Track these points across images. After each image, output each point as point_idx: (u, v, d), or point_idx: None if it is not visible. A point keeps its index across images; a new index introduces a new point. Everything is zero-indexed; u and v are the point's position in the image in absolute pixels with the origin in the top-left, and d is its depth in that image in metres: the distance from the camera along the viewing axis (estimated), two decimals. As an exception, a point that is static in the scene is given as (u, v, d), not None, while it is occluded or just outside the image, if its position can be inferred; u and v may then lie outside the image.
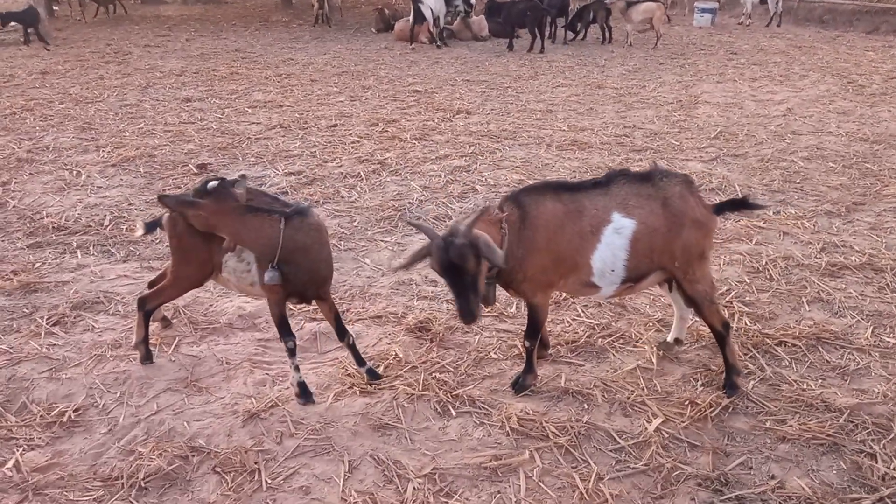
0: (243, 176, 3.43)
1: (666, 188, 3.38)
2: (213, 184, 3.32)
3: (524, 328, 3.64)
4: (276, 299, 3.47)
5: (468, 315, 3.08)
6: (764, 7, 17.21)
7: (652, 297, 4.59)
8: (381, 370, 3.77)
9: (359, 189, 6.48)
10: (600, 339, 4.11)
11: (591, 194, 3.38)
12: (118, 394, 3.62)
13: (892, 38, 15.27)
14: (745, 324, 4.23)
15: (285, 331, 3.52)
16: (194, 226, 3.37)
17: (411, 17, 14.60)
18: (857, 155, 7.39)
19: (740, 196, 3.81)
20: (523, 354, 3.70)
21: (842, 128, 8.44)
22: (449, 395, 3.59)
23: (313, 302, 3.66)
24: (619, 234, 3.32)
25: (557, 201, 3.35)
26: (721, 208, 3.60)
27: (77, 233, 5.50)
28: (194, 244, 3.50)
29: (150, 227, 3.71)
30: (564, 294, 4.29)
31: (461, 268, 3.01)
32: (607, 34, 14.73)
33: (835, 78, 11.30)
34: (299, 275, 3.38)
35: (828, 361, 3.87)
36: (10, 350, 3.95)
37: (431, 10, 14.20)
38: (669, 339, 4.00)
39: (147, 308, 3.76)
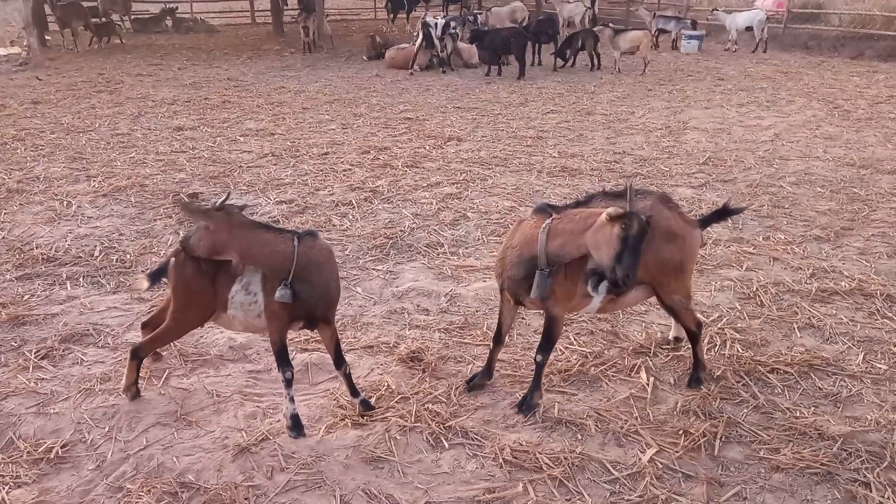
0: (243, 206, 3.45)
1: (637, 203, 3.46)
2: (221, 199, 3.32)
3: (536, 344, 3.70)
4: (279, 325, 3.45)
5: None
6: (750, 33, 17.45)
7: (644, 324, 4.59)
8: (373, 401, 3.74)
9: (350, 217, 6.49)
10: (593, 368, 4.10)
11: (575, 210, 3.47)
12: (106, 429, 3.57)
13: (877, 64, 15.51)
14: (738, 351, 4.24)
15: (284, 360, 3.50)
16: (200, 254, 3.34)
17: (418, 42, 14.77)
18: (845, 180, 7.47)
19: (720, 206, 3.89)
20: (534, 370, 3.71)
21: (829, 153, 8.53)
22: (441, 426, 3.57)
23: (310, 329, 3.65)
24: None
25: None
26: (706, 222, 3.79)
27: (67, 264, 5.47)
28: (201, 287, 3.47)
29: (155, 277, 3.66)
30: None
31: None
32: (595, 61, 14.90)
33: (821, 103, 11.45)
34: (312, 293, 3.38)
35: (820, 388, 3.88)
36: (-2, 384, 3.90)
37: (437, 35, 14.44)
38: (670, 337, 4.28)
39: (141, 356, 3.74)
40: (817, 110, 10.94)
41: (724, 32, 18.32)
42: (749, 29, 17.35)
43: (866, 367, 4.06)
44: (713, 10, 18.12)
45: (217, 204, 3.28)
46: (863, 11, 18.24)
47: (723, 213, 3.83)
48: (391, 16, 22.61)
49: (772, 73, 14.31)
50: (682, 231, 3.57)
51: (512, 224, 4.33)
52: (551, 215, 3.42)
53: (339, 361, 3.64)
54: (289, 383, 3.50)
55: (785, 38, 17.95)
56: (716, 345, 4.30)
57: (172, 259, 3.53)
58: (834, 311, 4.71)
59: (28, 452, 3.38)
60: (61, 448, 3.42)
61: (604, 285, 3.49)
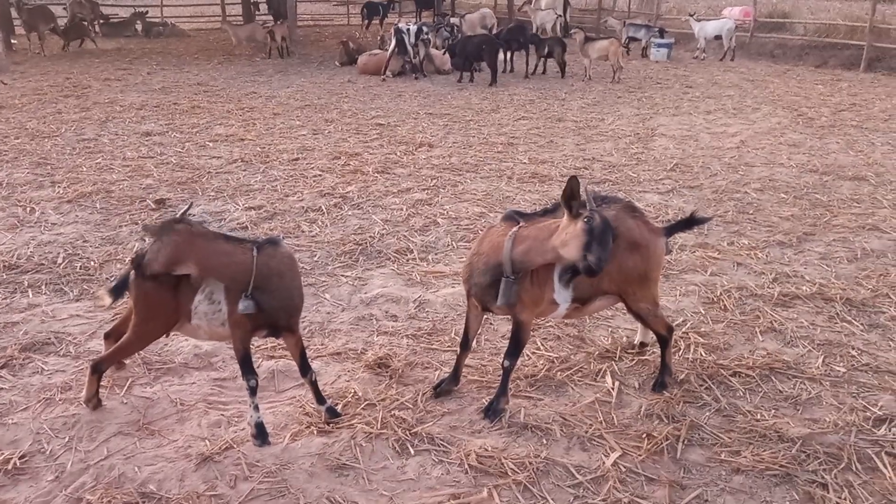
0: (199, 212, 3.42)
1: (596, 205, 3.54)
2: (182, 210, 3.29)
3: (503, 350, 3.73)
4: (241, 334, 3.42)
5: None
6: (718, 42, 17.75)
7: (610, 328, 4.64)
8: (339, 408, 3.73)
9: (320, 223, 6.46)
10: (559, 373, 4.12)
11: (544, 218, 3.50)
12: (66, 439, 3.51)
13: (840, 72, 15.86)
14: (701, 354, 4.29)
15: (248, 368, 3.47)
16: (156, 269, 3.28)
17: (391, 48, 14.79)
18: (808, 186, 7.62)
19: (687, 215, 3.96)
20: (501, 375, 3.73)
21: (792, 159, 8.70)
22: (407, 432, 3.57)
23: (274, 337, 3.63)
24: None
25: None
26: (671, 230, 3.83)
27: (29, 271, 5.37)
28: (162, 299, 3.43)
29: (118, 291, 3.55)
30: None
31: None
32: (563, 69, 15.04)
33: (786, 111, 11.67)
34: (273, 303, 3.35)
35: (780, 391, 3.94)
36: (-45, 395, 3.82)
37: (410, 42, 14.50)
38: (636, 342, 4.31)
39: (102, 370, 3.68)
40: (782, 118, 11.15)
41: (693, 41, 18.61)
42: (718, 38, 17.65)
43: (825, 370, 4.14)
44: (690, 14, 18.38)
45: (177, 216, 3.25)
46: (827, 21, 18.65)
47: (689, 223, 3.89)
48: (366, 21, 22.63)
49: (739, 81, 14.57)
50: (645, 240, 3.61)
51: (482, 231, 4.35)
52: (519, 223, 3.45)
53: (305, 369, 3.62)
54: (253, 391, 3.48)
55: (752, 47, 18.29)
56: (680, 349, 4.35)
57: (132, 271, 3.48)
58: (795, 315, 4.80)
59: (-15, 464, 3.31)
60: (19, 459, 3.35)
61: (569, 293, 3.52)
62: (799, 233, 6.27)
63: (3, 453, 3.38)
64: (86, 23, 19.31)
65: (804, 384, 4.01)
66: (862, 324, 4.68)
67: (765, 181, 7.81)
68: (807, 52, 17.48)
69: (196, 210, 3.40)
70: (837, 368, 4.16)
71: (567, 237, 3.15)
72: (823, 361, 4.23)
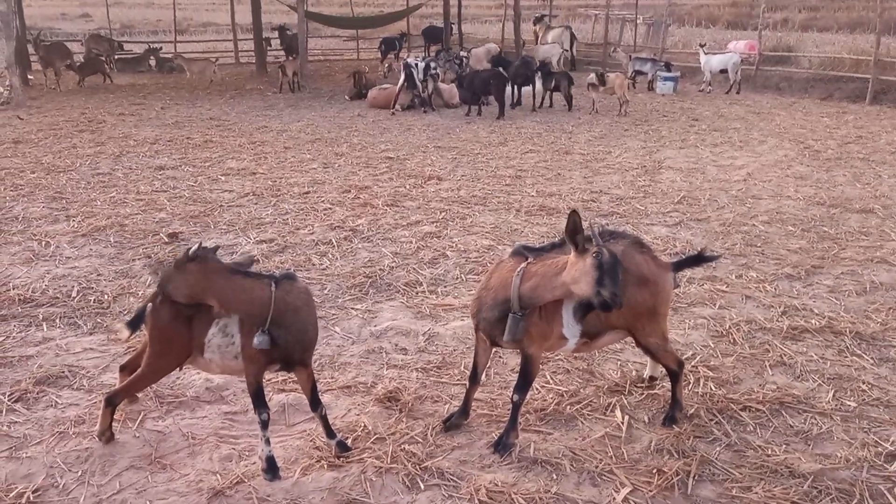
0: (216, 247, 3.48)
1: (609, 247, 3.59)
2: (193, 248, 3.32)
3: (512, 384, 3.77)
4: (255, 369, 3.46)
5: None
6: (724, 75, 17.91)
7: (619, 362, 4.65)
8: (349, 442, 3.74)
9: (330, 256, 6.53)
10: (569, 407, 4.13)
11: (552, 255, 3.55)
12: (80, 473, 3.54)
13: (846, 105, 15.95)
14: (711, 388, 4.30)
15: (260, 402, 3.50)
16: (179, 299, 3.34)
17: (400, 83, 15.03)
18: (815, 219, 7.64)
19: (696, 252, 4.00)
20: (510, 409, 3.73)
21: (800, 192, 8.74)
22: (417, 467, 3.57)
23: (287, 371, 3.66)
24: None
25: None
26: (680, 266, 3.83)
27: (44, 305, 5.44)
28: (177, 333, 3.48)
29: (134, 324, 3.62)
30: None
31: None
32: (570, 102, 15.20)
33: (792, 143, 11.74)
34: (289, 338, 3.40)
35: (791, 426, 3.94)
36: (-31, 428, 3.86)
37: (419, 76, 14.74)
38: (645, 375, 4.31)
39: (116, 403, 3.73)
40: (788, 150, 11.22)
41: (698, 74, 18.79)
42: (723, 71, 17.82)
43: (836, 405, 4.13)
44: (701, 45, 18.56)
45: (190, 253, 3.31)
46: (832, 54, 18.81)
47: (698, 259, 3.92)
48: (383, 56, 22.94)
49: (745, 114, 14.67)
50: (654, 275, 3.65)
51: (490, 264, 4.39)
52: (528, 259, 3.50)
53: (315, 403, 3.65)
54: (265, 425, 3.50)
55: (757, 80, 18.44)
56: (689, 382, 4.35)
57: (149, 304, 3.54)
58: (805, 349, 4.79)
59: (-1, 498, 3.34)
60: (33, 493, 3.37)
61: (577, 328, 3.56)
62: (807, 265, 6.28)
63: (16, 487, 3.41)
64: (102, 58, 19.68)
65: (815, 419, 4.00)
66: (872, 358, 4.67)
67: (772, 214, 7.84)
68: (812, 84, 17.61)
69: (208, 243, 3.44)
70: (848, 403, 4.15)
71: (578, 274, 3.19)
72: (834, 396, 4.22)
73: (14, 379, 4.37)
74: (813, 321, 5.17)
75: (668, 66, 18.38)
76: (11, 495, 3.35)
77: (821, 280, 6.00)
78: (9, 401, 4.12)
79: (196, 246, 3.36)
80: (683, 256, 4.09)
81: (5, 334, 4.95)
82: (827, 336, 4.97)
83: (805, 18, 30.82)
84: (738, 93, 17.49)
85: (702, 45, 18.43)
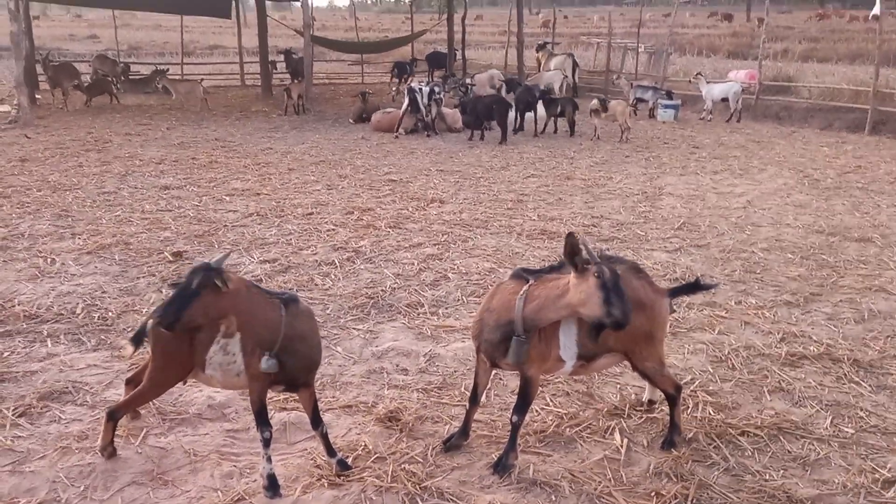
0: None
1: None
2: (216, 259, 3.26)
3: (512, 405, 3.79)
4: (259, 387, 3.49)
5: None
6: (725, 104, 18.09)
7: (619, 385, 4.68)
8: (350, 461, 3.77)
9: (333, 277, 6.58)
10: (568, 429, 4.16)
11: (551, 276, 3.61)
12: (82, 488, 3.57)
13: (845, 135, 16.08)
14: (709, 413, 4.33)
15: (263, 420, 3.54)
16: (200, 321, 3.30)
17: (403, 107, 15.20)
18: (814, 247, 7.70)
19: (694, 279, 4.07)
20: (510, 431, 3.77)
21: (799, 220, 8.81)
22: (417, 486, 3.60)
23: (290, 391, 3.70)
24: None
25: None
26: (676, 292, 3.90)
27: (48, 321, 5.49)
28: (178, 349, 3.52)
29: (137, 340, 3.71)
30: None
31: None
32: (572, 128, 15.35)
33: (791, 172, 11.84)
34: (295, 362, 3.44)
35: (789, 451, 3.96)
36: (-27, 442, 3.89)
37: (423, 101, 14.92)
38: (644, 399, 4.35)
39: (118, 418, 3.76)
40: (788, 179, 11.31)
41: (699, 102, 18.96)
42: (725, 100, 17.98)
43: (834, 431, 4.16)
44: (697, 73, 18.74)
45: (211, 265, 3.22)
46: (832, 85, 19.00)
47: (694, 287, 4.00)
48: (396, 80, 23.19)
49: (745, 142, 14.80)
50: (651, 300, 3.71)
51: (491, 286, 4.46)
52: (528, 280, 3.55)
53: (316, 421, 3.69)
54: (267, 443, 3.54)
55: (757, 109, 18.61)
56: (688, 407, 4.39)
57: (150, 321, 3.59)
58: (803, 375, 4.83)
59: (1, 512, 3.37)
60: (35, 507, 3.41)
61: (574, 350, 3.60)
62: (806, 293, 6.33)
63: (19, 501, 3.44)
64: (110, 78, 19.88)
65: (812, 445, 4.03)
66: (870, 385, 4.71)
67: (772, 241, 7.90)
68: (812, 114, 17.77)
69: (216, 257, 3.45)
70: (846, 429, 4.18)
71: (584, 296, 3.24)
72: (832, 422, 4.25)
73: (18, 394, 4.41)
74: (811, 348, 5.21)
75: (669, 94, 18.56)
76: (14, 509, 3.38)
77: (819, 307, 6.04)
78: (13, 415, 4.16)
79: (226, 253, 3.40)
80: (681, 283, 4.16)
81: (10, 350, 5.00)
82: (825, 363, 5.01)
83: (805, 49, 31.12)
84: (738, 121, 17.64)
85: (699, 74, 18.60)
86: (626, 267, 3.74)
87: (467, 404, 3.98)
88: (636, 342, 3.70)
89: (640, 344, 3.71)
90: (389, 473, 3.68)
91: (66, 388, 4.51)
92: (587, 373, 3.98)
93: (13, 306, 5.69)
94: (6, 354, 4.92)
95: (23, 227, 7.91)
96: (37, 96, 18.08)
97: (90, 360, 4.89)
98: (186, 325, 3.24)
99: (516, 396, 3.79)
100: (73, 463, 3.76)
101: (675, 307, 4.03)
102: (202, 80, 20.32)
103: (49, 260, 6.85)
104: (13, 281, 6.28)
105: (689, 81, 18.77)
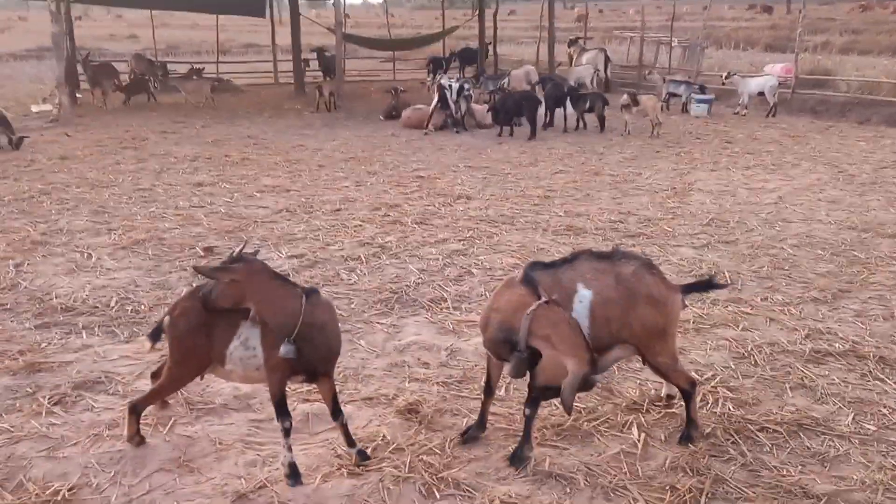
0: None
1: (620, 266, 3.71)
2: (238, 249, 3.54)
3: (524, 399, 3.83)
4: (278, 378, 3.59)
5: None
6: (759, 98, 17.76)
7: (638, 381, 4.69)
8: (369, 451, 3.86)
9: (358, 272, 6.68)
10: (586, 423, 4.19)
11: (563, 269, 3.66)
12: (112, 473, 3.71)
13: (884, 129, 15.70)
14: (729, 409, 4.32)
15: (283, 411, 3.63)
16: (223, 305, 3.48)
17: (433, 103, 15.29)
18: (846, 243, 7.58)
19: (707, 277, 4.08)
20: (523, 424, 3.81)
21: (831, 216, 8.67)
22: (434, 477, 3.67)
23: (310, 381, 3.79)
24: (582, 303, 3.63)
25: (546, 276, 3.69)
26: (689, 289, 3.92)
27: (84, 313, 5.69)
28: (194, 344, 3.65)
29: (155, 335, 3.83)
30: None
31: None
32: (602, 123, 15.25)
33: (826, 167, 11.62)
34: (314, 351, 3.54)
35: (808, 447, 3.94)
36: (11, 429, 4.07)
37: (453, 97, 14.99)
38: (663, 394, 4.36)
39: (139, 411, 3.90)
40: (822, 174, 11.11)
41: (734, 97, 18.67)
42: (761, 94, 17.67)
43: (855, 428, 4.12)
44: (729, 73, 18.41)
45: (234, 254, 3.49)
46: (870, 78, 18.56)
47: (707, 286, 4.01)
48: (431, 76, 23.30)
49: (779, 137, 14.56)
50: (663, 296, 3.73)
51: (501, 281, 4.49)
52: (540, 297, 3.51)
53: (336, 412, 3.78)
54: (287, 433, 3.64)
55: (793, 103, 18.27)
56: (707, 402, 4.38)
57: (167, 317, 3.72)
58: (826, 372, 4.78)
59: (36, 494, 3.52)
60: (68, 491, 3.55)
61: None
62: (834, 290, 6.24)
63: (53, 485, 3.59)
64: (148, 78, 20.32)
65: (832, 441, 3.99)
66: (895, 382, 4.64)
67: (802, 237, 7.79)
68: (849, 108, 17.37)
69: (250, 249, 3.62)
70: (868, 426, 4.13)
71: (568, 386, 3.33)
72: (854, 419, 4.21)
73: (54, 383, 4.59)
74: (837, 345, 5.15)
75: (702, 89, 18.32)
76: (48, 492, 3.53)
77: (847, 304, 5.96)
78: (48, 404, 4.33)
79: (241, 246, 3.54)
80: (692, 281, 4.19)
81: (47, 341, 5.19)
82: (850, 360, 4.95)
83: (846, 41, 30.38)
84: (773, 116, 17.33)
85: (733, 74, 18.21)
86: (639, 263, 3.76)
87: (482, 395, 4.04)
88: (650, 337, 3.72)
89: (654, 339, 3.73)
90: (407, 464, 3.76)
91: (99, 378, 4.67)
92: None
93: (51, 299, 5.91)
94: (43, 345, 5.12)
95: (61, 222, 8.17)
96: (77, 95, 18.56)
97: (122, 352, 5.06)
98: (213, 307, 3.48)
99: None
100: (105, 449, 3.91)
101: (690, 303, 4.02)
102: (217, 80, 20.61)
103: (86, 255, 7.07)
104: (51, 275, 6.51)
105: (723, 84, 18.44)
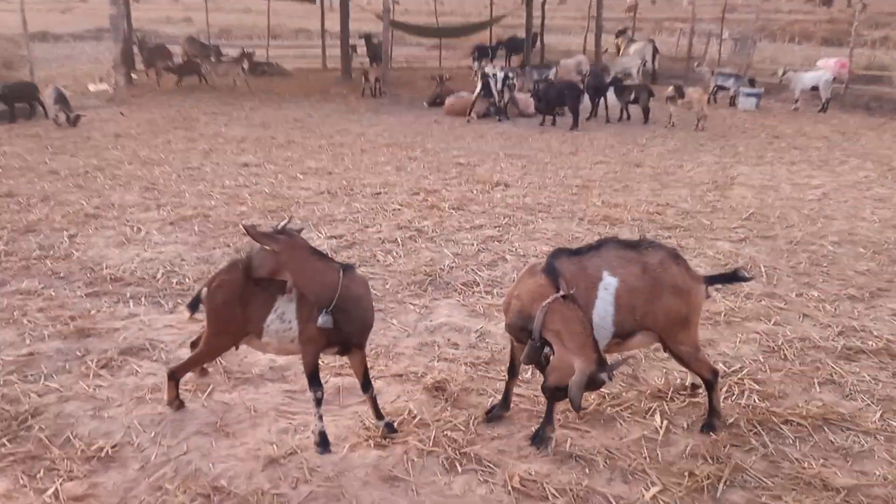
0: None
1: (647, 255, 3.76)
2: (283, 223, 3.72)
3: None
4: (313, 350, 3.75)
5: None
6: (814, 92, 17.31)
7: (665, 370, 4.73)
8: (396, 425, 4.00)
9: (394, 254, 6.83)
10: (609, 408, 4.26)
11: (589, 256, 3.73)
12: (153, 434, 3.93)
13: (942, 127, 15.21)
14: (754, 401, 4.33)
15: (315, 381, 3.80)
16: (262, 273, 3.64)
17: (476, 91, 15.34)
18: (889, 241, 7.43)
19: (732, 270, 4.10)
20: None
21: (876, 214, 8.49)
22: (457, 452, 3.79)
23: (344, 353, 3.94)
24: (607, 290, 3.68)
25: (571, 263, 3.74)
26: (713, 280, 3.97)
27: (132, 284, 5.95)
28: (231, 315, 3.82)
29: (193, 305, 4.05)
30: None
31: None
32: (647, 115, 15.09)
33: (875, 164, 11.34)
34: (349, 324, 3.69)
35: (832, 442, 3.95)
36: (61, 389, 4.33)
37: (496, 86, 15.01)
38: (688, 383, 4.43)
39: (178, 378, 4.11)
40: (870, 171, 10.85)
41: (783, 91, 18.25)
42: (814, 88, 17.23)
43: (882, 425, 4.10)
44: (784, 71, 17.90)
45: (279, 227, 3.65)
46: (930, 74, 17.96)
47: (731, 278, 4.02)
48: (476, 63, 23.31)
49: (829, 133, 14.22)
50: (688, 286, 3.77)
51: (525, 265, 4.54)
52: (559, 290, 3.56)
53: (366, 385, 3.92)
54: (318, 403, 3.80)
55: (846, 99, 17.79)
56: (733, 394, 4.40)
57: (205, 288, 3.90)
58: (857, 369, 4.75)
59: (82, 451, 3.75)
60: (111, 448, 3.78)
61: (611, 329, 3.70)
62: (873, 288, 6.15)
63: (97, 442, 3.82)
64: (199, 61, 20.78)
65: (857, 437, 3.99)
66: (928, 382, 4.59)
67: (843, 234, 7.67)
68: (905, 105, 16.87)
69: (294, 224, 3.79)
70: (894, 424, 4.11)
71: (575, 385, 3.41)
72: (881, 416, 4.19)
73: (101, 348, 4.84)
74: (870, 342, 5.10)
75: (752, 82, 17.96)
76: (93, 448, 3.76)
77: (885, 303, 5.87)
78: (96, 367, 4.58)
79: (286, 220, 3.71)
80: (716, 273, 4.20)
81: (97, 308, 5.46)
82: (883, 358, 4.90)
83: (907, 36, 29.35)
84: (825, 111, 16.91)
85: (785, 72, 17.71)
86: (665, 253, 3.80)
87: (506, 376, 4.14)
88: (673, 325, 3.76)
89: (677, 327, 3.77)
90: (432, 438, 3.88)
91: (144, 345, 4.91)
92: (621, 350, 4.02)
93: (102, 269, 6.19)
94: (93, 312, 5.39)
95: (114, 197, 8.50)
96: (132, 76, 19.10)
97: (167, 321, 5.30)
98: (252, 274, 3.65)
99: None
100: (147, 412, 4.13)
101: (722, 296, 4.04)
102: (245, 64, 20.78)
103: (135, 229, 7.37)
104: (103, 247, 6.81)
105: (780, 82, 17.93)
